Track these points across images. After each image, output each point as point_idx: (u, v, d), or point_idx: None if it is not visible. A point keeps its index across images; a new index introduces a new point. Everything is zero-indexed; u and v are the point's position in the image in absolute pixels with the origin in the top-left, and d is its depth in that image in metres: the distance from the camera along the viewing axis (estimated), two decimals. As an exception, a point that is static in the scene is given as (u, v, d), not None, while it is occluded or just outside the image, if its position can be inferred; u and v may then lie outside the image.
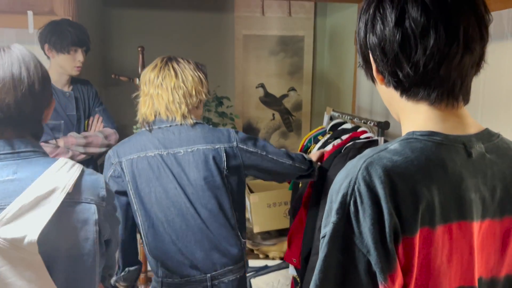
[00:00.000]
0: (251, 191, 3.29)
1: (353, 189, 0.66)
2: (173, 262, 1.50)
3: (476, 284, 0.72)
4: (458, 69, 0.69)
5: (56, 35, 2.01)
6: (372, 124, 1.73)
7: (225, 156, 1.50)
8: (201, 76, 1.54)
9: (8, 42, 2.42)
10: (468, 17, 0.68)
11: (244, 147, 1.53)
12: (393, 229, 0.64)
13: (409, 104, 0.74)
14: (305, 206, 1.88)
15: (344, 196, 0.66)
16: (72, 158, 2.01)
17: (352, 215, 0.65)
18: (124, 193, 1.53)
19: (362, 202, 0.65)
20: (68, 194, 0.92)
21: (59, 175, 0.93)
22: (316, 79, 3.49)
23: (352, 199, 0.65)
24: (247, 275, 2.98)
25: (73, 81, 2.16)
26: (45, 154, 0.99)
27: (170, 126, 1.51)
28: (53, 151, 1.97)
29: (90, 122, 2.23)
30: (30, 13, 2.26)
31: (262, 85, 3.40)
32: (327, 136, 2.01)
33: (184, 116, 1.50)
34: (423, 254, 0.67)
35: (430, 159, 0.68)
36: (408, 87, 0.72)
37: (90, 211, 0.96)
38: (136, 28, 3.20)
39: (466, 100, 0.74)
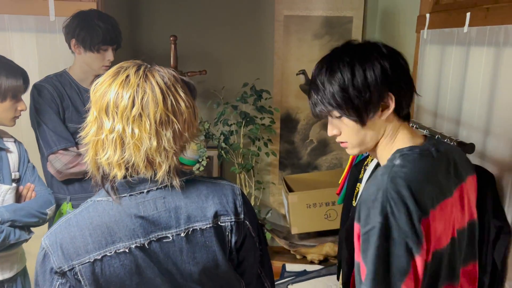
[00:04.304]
0: (290, 190, 3.04)
1: (387, 196, 0.93)
2: None
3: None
4: None
5: (85, 31, 1.75)
6: (452, 143, 1.40)
7: (231, 234, 1.01)
8: (192, 102, 1.00)
9: (26, 30, 2.17)
10: None
11: (248, 223, 1.05)
12: (417, 216, 0.93)
13: (397, 123, 1.06)
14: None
15: (383, 202, 0.93)
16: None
17: (390, 214, 0.92)
18: None
19: (395, 203, 0.93)
20: None
21: None
22: (364, 65, 3.13)
23: (389, 203, 0.93)
24: (284, 280, 2.78)
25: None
26: None
27: (149, 191, 0.96)
28: (74, 160, 1.73)
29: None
30: (50, -2, 2.00)
31: (303, 72, 3.07)
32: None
33: (170, 172, 0.95)
34: (433, 226, 0.96)
35: (420, 166, 1.00)
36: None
37: None
38: (168, 14, 2.90)
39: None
